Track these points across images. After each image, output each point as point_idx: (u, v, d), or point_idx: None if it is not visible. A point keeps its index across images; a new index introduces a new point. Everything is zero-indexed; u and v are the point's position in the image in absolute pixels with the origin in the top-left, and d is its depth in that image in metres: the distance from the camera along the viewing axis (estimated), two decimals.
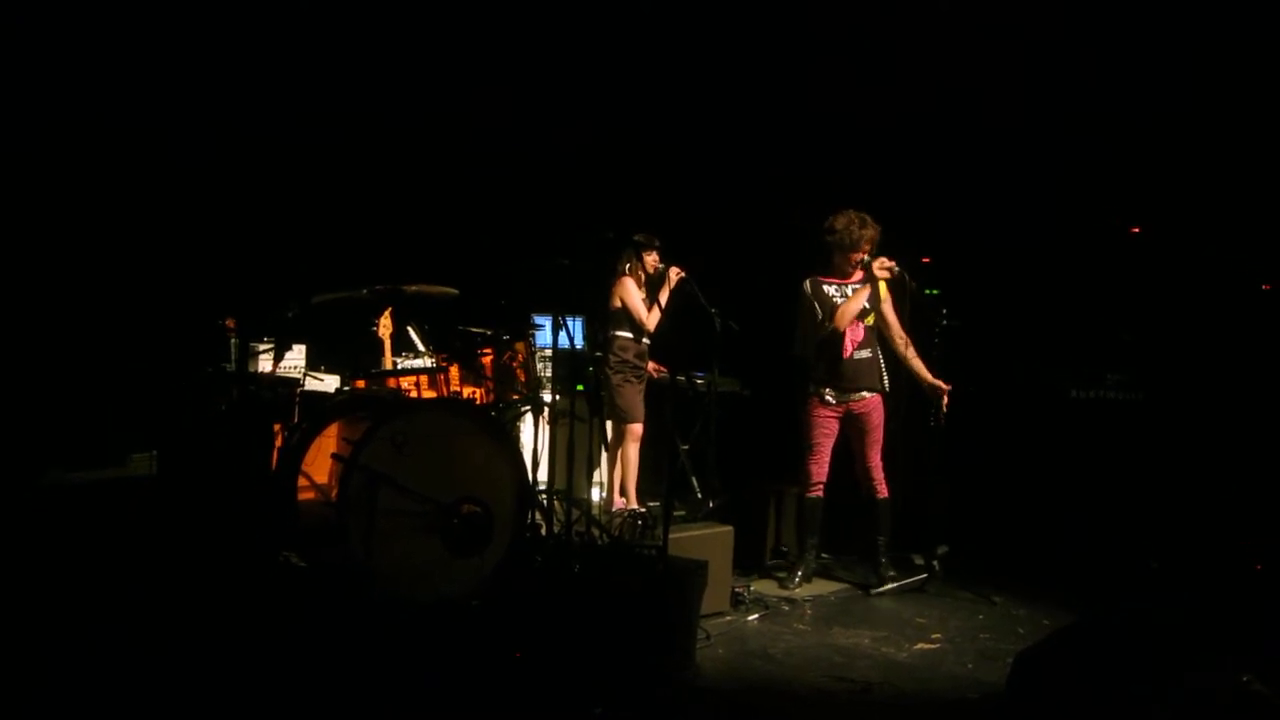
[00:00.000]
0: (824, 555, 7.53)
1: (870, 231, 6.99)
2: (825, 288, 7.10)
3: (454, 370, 6.47)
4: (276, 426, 6.00)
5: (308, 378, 7.17)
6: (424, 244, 8.47)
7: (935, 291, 8.29)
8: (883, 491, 7.08)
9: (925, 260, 9.08)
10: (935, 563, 7.07)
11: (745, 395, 8.75)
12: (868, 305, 7.04)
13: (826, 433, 7.08)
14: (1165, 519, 7.55)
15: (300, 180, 8.52)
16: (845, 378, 7.02)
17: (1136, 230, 8.83)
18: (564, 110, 9.14)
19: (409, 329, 7.17)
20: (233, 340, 6.89)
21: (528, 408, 6.59)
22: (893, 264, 6.95)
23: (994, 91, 8.53)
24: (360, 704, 4.37)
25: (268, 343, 7.06)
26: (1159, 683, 3.54)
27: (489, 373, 6.49)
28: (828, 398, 7.04)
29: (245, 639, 4.70)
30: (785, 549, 7.49)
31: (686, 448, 8.18)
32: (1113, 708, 3.54)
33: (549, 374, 7.49)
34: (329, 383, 7.36)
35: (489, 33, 8.53)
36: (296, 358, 7.52)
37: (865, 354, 7.04)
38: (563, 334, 6.17)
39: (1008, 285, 9.02)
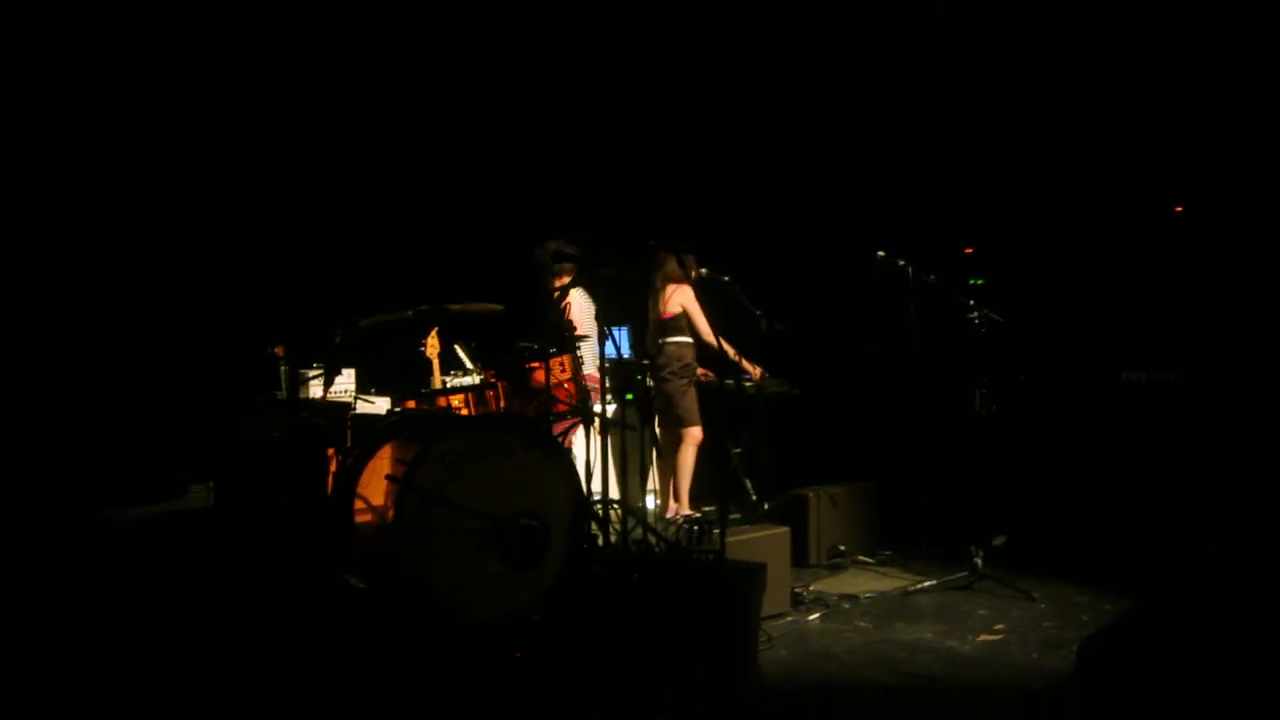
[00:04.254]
0: (885, 551, 7.55)
1: None
2: None
3: (503, 386, 6.49)
4: (330, 451, 6.04)
5: (358, 401, 7.23)
6: (468, 261, 8.51)
7: (980, 281, 8.25)
8: None
9: (968, 250, 9.06)
10: (977, 559, 6.89)
11: (795, 395, 8.73)
12: None
13: None
14: (1224, 501, 7.46)
15: (342, 205, 8.60)
16: None
17: (1179, 210, 8.73)
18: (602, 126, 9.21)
19: (456, 347, 7.20)
20: (283, 368, 6.96)
21: (578, 419, 6.60)
22: None
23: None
24: None
25: (317, 368, 7.12)
26: (1226, 668, 3.49)
27: (538, 386, 6.51)
28: None
29: (312, 662, 4.74)
30: (843, 548, 7.46)
31: (739, 450, 8.17)
32: (1182, 695, 3.50)
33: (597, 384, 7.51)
34: (380, 405, 7.40)
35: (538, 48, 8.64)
36: (346, 382, 7.58)
37: None
38: (609, 344, 6.17)
39: (1053, 271, 8.95)
